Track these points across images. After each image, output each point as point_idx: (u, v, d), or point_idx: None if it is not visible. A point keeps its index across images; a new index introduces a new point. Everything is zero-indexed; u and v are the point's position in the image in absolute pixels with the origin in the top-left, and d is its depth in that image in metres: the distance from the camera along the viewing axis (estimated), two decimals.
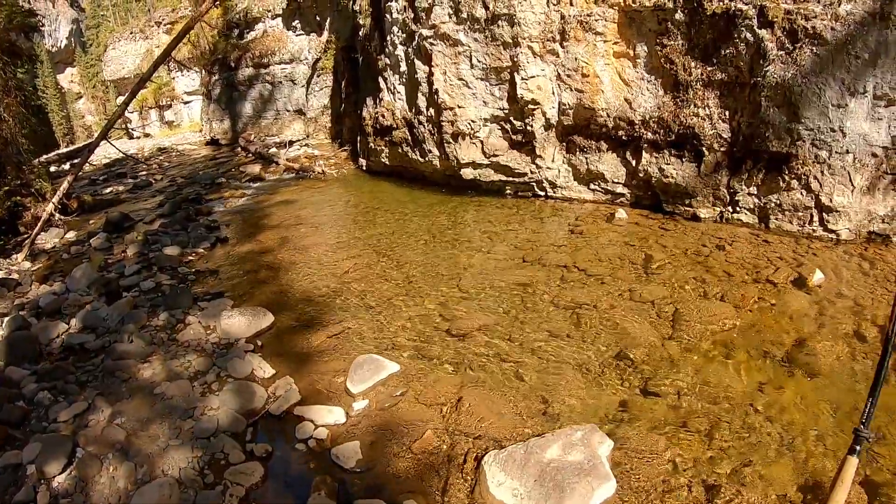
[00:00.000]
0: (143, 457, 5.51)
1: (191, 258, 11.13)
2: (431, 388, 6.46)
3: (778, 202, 9.84)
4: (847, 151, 9.09)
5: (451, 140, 13.59)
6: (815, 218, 9.58)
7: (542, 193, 13.05)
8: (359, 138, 18.72)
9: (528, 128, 12.43)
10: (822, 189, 9.36)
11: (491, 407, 6.04)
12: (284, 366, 7.17)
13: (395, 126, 15.53)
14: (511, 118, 12.70)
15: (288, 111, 28.43)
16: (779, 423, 5.76)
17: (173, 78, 47.68)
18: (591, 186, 12.47)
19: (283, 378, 6.85)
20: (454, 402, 6.18)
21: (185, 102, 48.30)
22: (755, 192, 10.10)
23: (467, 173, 13.76)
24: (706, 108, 10.40)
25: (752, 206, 10.19)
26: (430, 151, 14.50)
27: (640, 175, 11.38)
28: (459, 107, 13.11)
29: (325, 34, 26.13)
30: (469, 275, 9.30)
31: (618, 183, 11.98)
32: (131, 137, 50.95)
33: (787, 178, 9.65)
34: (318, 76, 26.73)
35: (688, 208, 10.84)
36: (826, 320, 7.30)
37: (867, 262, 8.72)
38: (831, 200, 9.29)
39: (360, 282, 9.22)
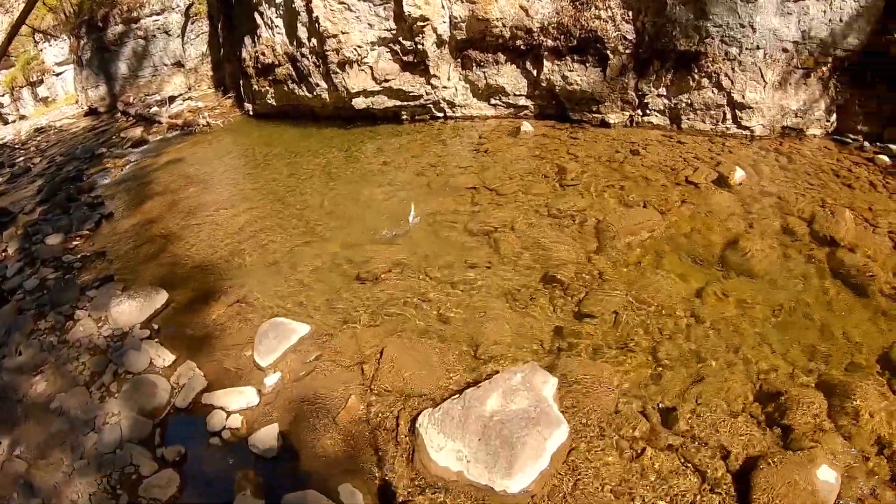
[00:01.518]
0: (48, 490, 4.61)
1: (76, 243, 9.73)
2: (348, 345, 5.65)
3: (689, 102, 9.45)
4: (757, 47, 8.77)
5: (338, 70, 12.38)
6: (728, 115, 9.29)
7: (441, 115, 12.18)
8: (242, 82, 17.24)
9: (419, 47, 11.32)
10: (733, 86, 9.04)
11: (416, 357, 5.29)
12: (185, 348, 6.17)
13: (277, 63, 14.13)
14: (400, 38, 11.52)
15: (166, 65, 25.88)
16: (724, 332, 5.39)
17: (41, 50, 42.22)
18: (493, 102, 11.68)
19: (184, 364, 5.89)
20: (376, 357, 5.40)
21: (57, 74, 42.88)
22: (665, 94, 9.66)
23: (359, 103, 12.65)
24: (608, 10, 9.73)
25: (662, 108, 9.76)
26: (317, 85, 13.25)
27: (543, 85, 10.68)
28: (343, 32, 11.85)
29: None
30: (373, 211, 8.39)
31: (520, 95, 11.25)
32: (6, 123, 45.32)
33: (696, 76, 9.24)
34: (192, 23, 24.26)
35: (596, 115, 10.29)
36: (754, 219, 6.99)
37: (784, 157, 8.51)
38: (743, 97, 9.01)
39: (257, 236, 8.29)
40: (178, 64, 26.19)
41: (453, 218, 7.68)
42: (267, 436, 4.80)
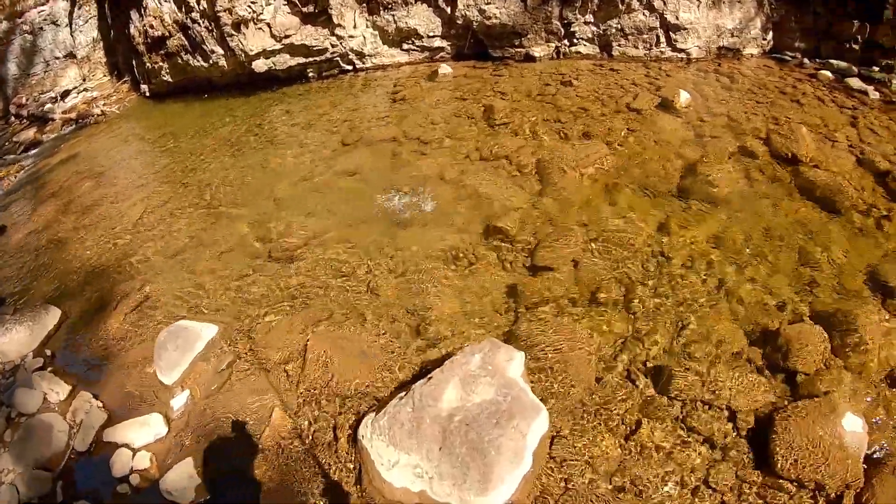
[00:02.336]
0: None
1: None
2: (266, 343, 4.62)
3: (619, 27, 8.73)
4: None
5: (233, 31, 10.99)
6: (662, 38, 8.64)
7: (351, 68, 11.10)
8: (134, 62, 15.60)
9: None
10: (666, 7, 8.37)
11: (348, 347, 4.35)
12: (81, 375, 4.97)
13: (167, 34, 12.57)
14: None
15: (58, 59, 23.52)
16: (698, 269, 4.73)
17: None
18: (405, 47, 10.60)
19: (79, 395, 4.69)
20: (299, 353, 4.41)
21: None
22: (592, 20, 8.89)
23: (260, 66, 11.32)
24: None
25: (590, 36, 8.99)
26: (212, 52, 11.80)
27: (459, 22, 9.69)
28: None
29: None
30: (284, 181, 7.21)
31: (434, 36, 10.21)
32: None
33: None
34: (79, 8, 22.10)
35: (519, 49, 9.40)
36: (707, 141, 6.36)
37: (725, 77, 7.94)
38: (677, 18, 8.38)
39: (157, 226, 6.97)
40: (71, 55, 24.00)
41: (373, 176, 6.66)
42: (180, 476, 3.82)
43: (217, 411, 4.17)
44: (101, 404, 4.63)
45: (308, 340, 4.43)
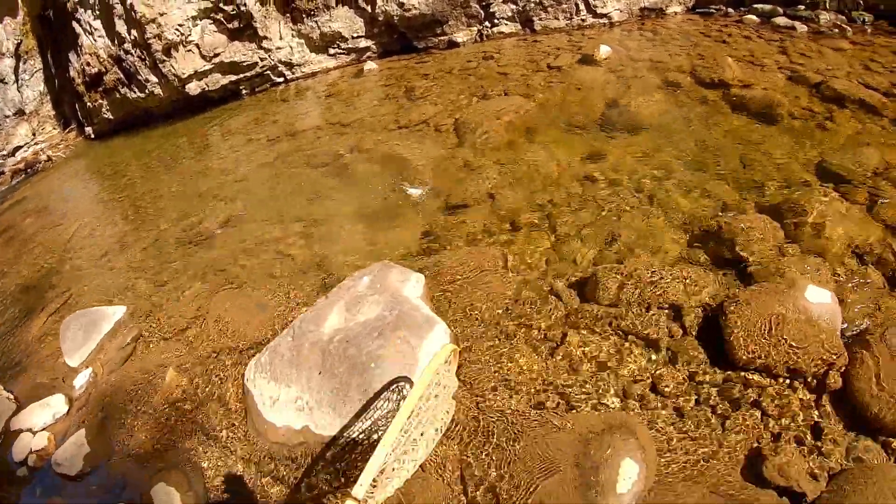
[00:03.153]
0: None
1: None
2: (171, 314, 4.39)
3: (538, 1, 8.71)
4: None
5: (164, 57, 10.87)
6: (582, 6, 8.62)
7: (282, 79, 10.81)
8: (77, 105, 15.47)
9: (243, 8, 10.00)
10: None
11: (249, 305, 4.10)
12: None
13: (104, 70, 12.43)
14: (221, 4, 10.18)
15: (8, 117, 23.24)
16: (629, 186, 4.55)
17: None
18: (332, 51, 10.50)
19: None
20: (202, 318, 4.16)
21: None
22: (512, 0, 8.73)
23: (193, 88, 11.16)
24: None
25: (510, 14, 8.97)
26: (147, 81, 11.66)
27: (381, 19, 9.62)
28: (161, 14, 10.39)
29: (20, 12, 21.07)
30: (210, 180, 7.00)
31: (359, 37, 10.14)
32: None
33: None
34: (24, 63, 21.79)
35: (442, 37, 9.35)
36: (631, 81, 6.25)
37: (649, 32, 7.90)
38: None
39: (85, 240, 6.81)
40: (20, 112, 23.70)
41: (295, 158, 6.46)
42: (71, 449, 3.57)
43: (117, 383, 3.90)
44: (10, 396, 4.38)
45: (211, 306, 4.17)
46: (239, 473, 2.94)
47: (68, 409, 3.96)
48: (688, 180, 4.47)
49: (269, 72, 10.81)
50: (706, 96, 5.63)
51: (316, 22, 10.11)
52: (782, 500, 2.46)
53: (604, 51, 6.93)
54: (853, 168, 4.42)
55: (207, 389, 3.48)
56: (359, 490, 1.81)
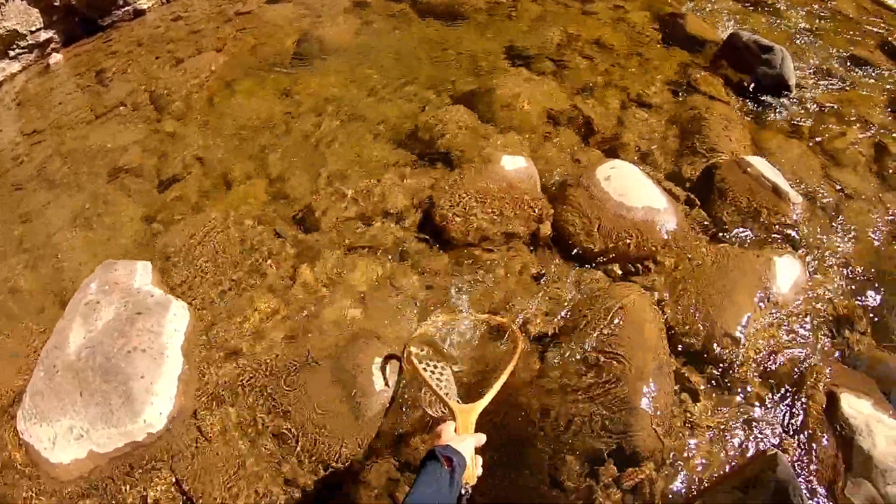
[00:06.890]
0: None
1: None
2: None
3: None
4: None
5: None
6: None
7: None
8: None
9: None
10: None
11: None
12: None
13: None
14: None
15: None
16: (329, 111, 4.72)
17: None
18: (13, 54, 8.99)
19: None
20: None
21: None
22: None
23: None
24: None
25: None
26: None
27: (57, 4, 8.39)
28: None
29: None
30: None
31: (38, 30, 8.78)
32: None
33: None
34: None
35: (125, 8, 8.53)
36: (319, 10, 6.36)
37: None
38: None
39: None
40: None
41: None
42: None
43: None
44: None
45: None
46: None
47: None
48: (388, 92, 4.75)
49: None
50: (393, 10, 5.90)
51: None
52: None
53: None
54: (540, 45, 4.98)
55: None
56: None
